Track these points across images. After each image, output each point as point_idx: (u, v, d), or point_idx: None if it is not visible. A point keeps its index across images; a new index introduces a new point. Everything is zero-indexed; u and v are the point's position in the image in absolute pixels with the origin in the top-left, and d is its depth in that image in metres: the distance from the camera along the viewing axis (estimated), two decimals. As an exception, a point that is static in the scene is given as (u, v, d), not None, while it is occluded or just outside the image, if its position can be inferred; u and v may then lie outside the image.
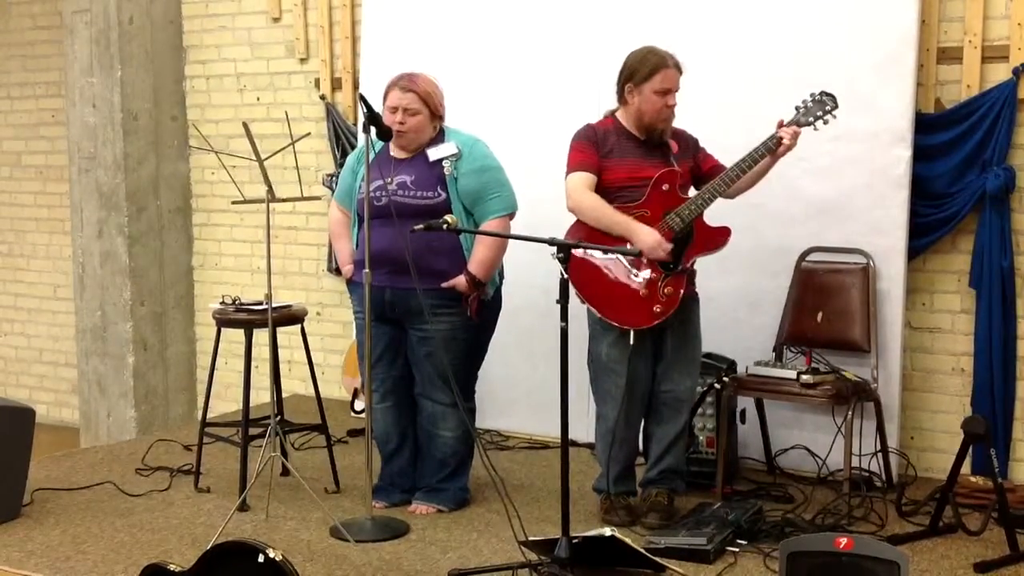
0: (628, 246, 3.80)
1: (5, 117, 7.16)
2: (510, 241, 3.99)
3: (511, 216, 4.05)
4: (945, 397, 4.57)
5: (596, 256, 3.87)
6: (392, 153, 4.07)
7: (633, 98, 3.88)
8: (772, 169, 3.92)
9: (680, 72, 3.88)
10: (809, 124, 3.91)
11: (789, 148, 3.84)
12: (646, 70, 3.84)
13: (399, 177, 4.00)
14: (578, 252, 3.81)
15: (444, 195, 3.96)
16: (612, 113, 3.99)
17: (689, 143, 4.02)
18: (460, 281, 3.96)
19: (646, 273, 3.85)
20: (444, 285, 3.96)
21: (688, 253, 3.88)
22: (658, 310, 3.83)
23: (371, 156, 3.87)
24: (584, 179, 3.89)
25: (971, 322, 4.46)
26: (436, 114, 4.03)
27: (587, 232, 3.86)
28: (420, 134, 4.02)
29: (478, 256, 3.98)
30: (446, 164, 3.98)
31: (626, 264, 3.87)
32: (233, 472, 4.39)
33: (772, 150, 3.84)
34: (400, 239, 3.79)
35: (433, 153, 4.01)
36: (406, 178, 4.00)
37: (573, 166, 3.92)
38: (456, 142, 4.03)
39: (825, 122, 3.93)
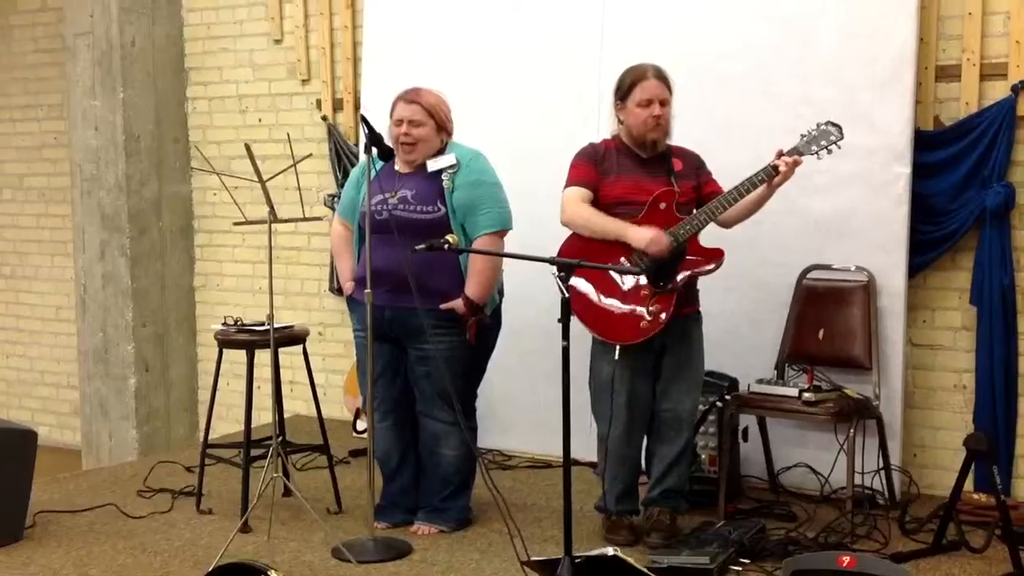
0: (622, 260, 3.82)
1: (8, 139, 7.18)
2: (511, 260, 3.99)
3: (502, 233, 4.03)
4: (947, 414, 4.56)
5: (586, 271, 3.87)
6: (397, 167, 4.08)
7: (623, 115, 3.93)
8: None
9: (663, 81, 3.88)
10: (813, 154, 3.89)
11: (786, 177, 3.82)
12: (626, 86, 3.90)
13: (401, 191, 4.00)
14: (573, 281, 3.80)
15: (443, 209, 3.95)
16: (617, 133, 4.01)
17: (693, 163, 4.02)
18: (458, 304, 3.95)
19: (638, 289, 3.85)
20: (443, 307, 3.95)
21: (680, 271, 3.88)
22: (644, 326, 3.84)
23: (374, 172, 3.87)
24: (579, 193, 3.91)
25: (972, 339, 4.46)
26: (442, 127, 4.03)
27: (581, 247, 3.87)
28: (426, 146, 4.01)
29: (472, 277, 3.97)
30: (444, 177, 3.98)
31: (617, 279, 3.88)
32: (235, 493, 4.38)
33: (770, 177, 3.82)
34: (401, 257, 3.79)
35: (432, 164, 4.01)
36: (407, 192, 3.99)
37: (569, 182, 3.95)
38: (456, 154, 4.03)
39: (828, 151, 3.91)
